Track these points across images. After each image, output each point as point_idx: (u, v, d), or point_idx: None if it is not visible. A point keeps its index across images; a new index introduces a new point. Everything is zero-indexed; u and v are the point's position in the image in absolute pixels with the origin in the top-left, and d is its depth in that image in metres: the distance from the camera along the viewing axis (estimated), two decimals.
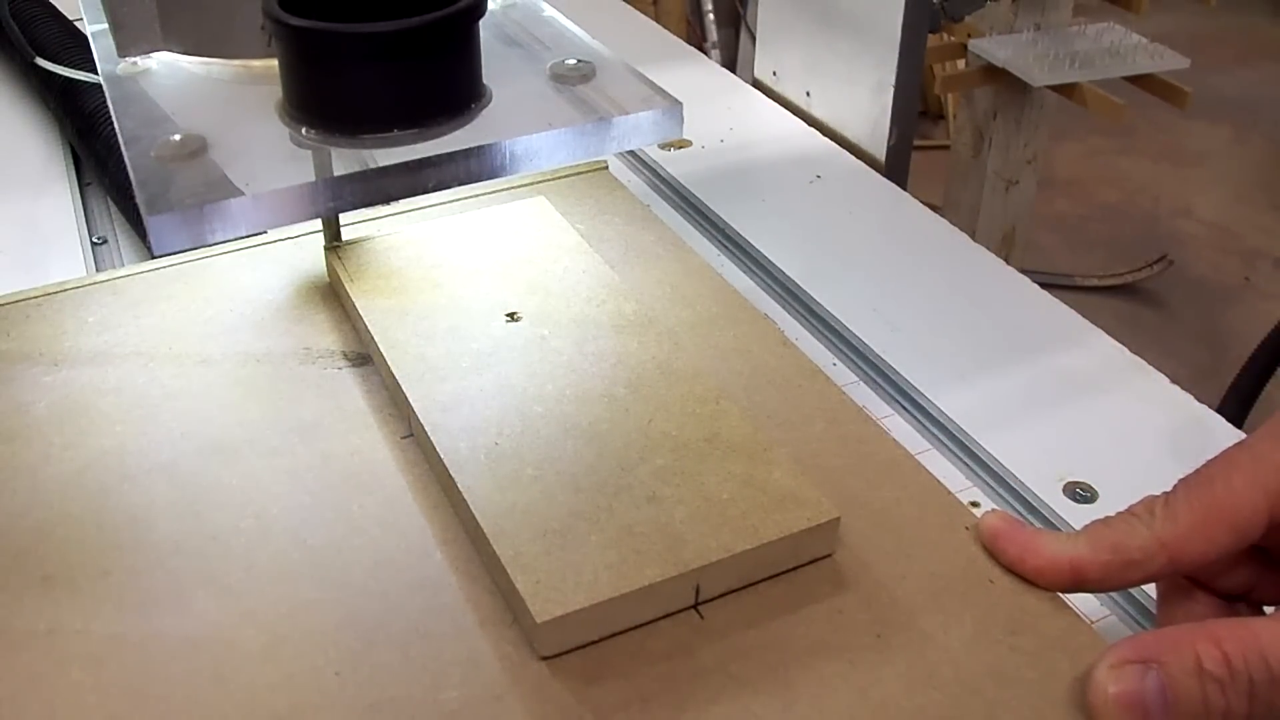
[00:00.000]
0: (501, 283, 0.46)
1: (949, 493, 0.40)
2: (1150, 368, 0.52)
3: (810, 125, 0.73)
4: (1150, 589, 0.41)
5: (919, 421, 0.49)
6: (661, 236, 0.53)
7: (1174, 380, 0.51)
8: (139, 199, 0.33)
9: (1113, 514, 0.35)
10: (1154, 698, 0.31)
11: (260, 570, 0.36)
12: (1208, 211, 2.24)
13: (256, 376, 0.44)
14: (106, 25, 0.40)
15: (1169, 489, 0.35)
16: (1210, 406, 0.50)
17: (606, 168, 0.59)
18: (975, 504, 0.44)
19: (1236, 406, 1.17)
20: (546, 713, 0.32)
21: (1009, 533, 0.37)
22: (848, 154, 0.70)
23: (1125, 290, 2.00)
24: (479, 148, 0.36)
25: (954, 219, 0.71)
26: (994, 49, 1.38)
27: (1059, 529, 0.43)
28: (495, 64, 0.38)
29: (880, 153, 0.71)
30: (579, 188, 0.57)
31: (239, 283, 0.49)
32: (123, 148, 0.35)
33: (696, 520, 0.36)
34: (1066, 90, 1.38)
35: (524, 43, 0.42)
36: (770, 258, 0.58)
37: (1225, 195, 2.30)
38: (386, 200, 0.36)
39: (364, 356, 0.45)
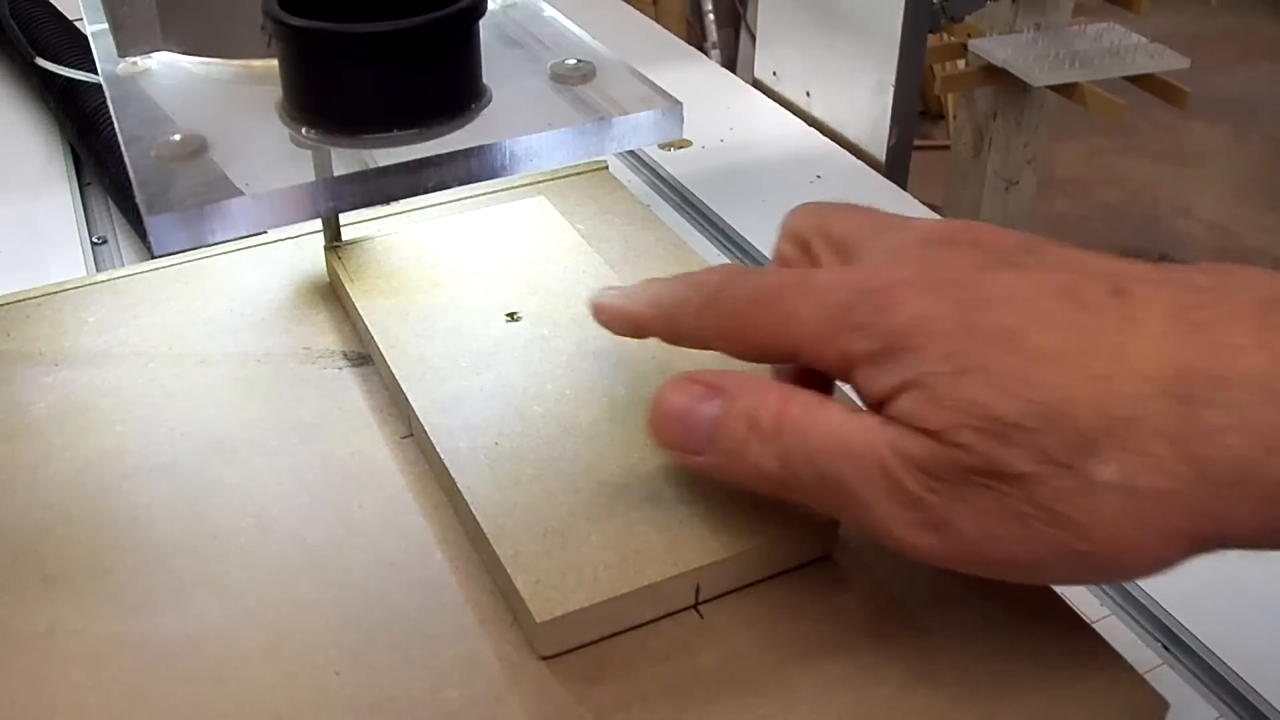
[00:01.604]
0: (501, 283, 0.46)
1: None
2: None
3: (810, 125, 0.73)
4: (1151, 591, 0.41)
5: None
6: (661, 236, 0.53)
7: None
8: (139, 199, 0.33)
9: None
10: (702, 423, 0.32)
11: (260, 570, 0.36)
12: (1208, 211, 2.24)
13: (256, 376, 0.44)
14: (106, 25, 0.40)
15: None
16: None
17: (606, 168, 0.58)
18: None
19: None
20: (546, 713, 0.32)
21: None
22: (848, 154, 0.70)
23: None
24: (479, 148, 0.36)
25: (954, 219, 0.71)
26: (994, 49, 1.39)
27: None
28: (495, 64, 0.38)
29: (880, 153, 0.71)
30: (579, 188, 0.57)
31: (239, 283, 0.49)
32: (123, 148, 0.35)
33: (696, 520, 0.36)
34: (1066, 90, 1.38)
35: (524, 43, 0.42)
36: (770, 258, 0.58)
37: (1225, 195, 2.30)
38: (386, 200, 0.36)
39: (364, 356, 0.45)
